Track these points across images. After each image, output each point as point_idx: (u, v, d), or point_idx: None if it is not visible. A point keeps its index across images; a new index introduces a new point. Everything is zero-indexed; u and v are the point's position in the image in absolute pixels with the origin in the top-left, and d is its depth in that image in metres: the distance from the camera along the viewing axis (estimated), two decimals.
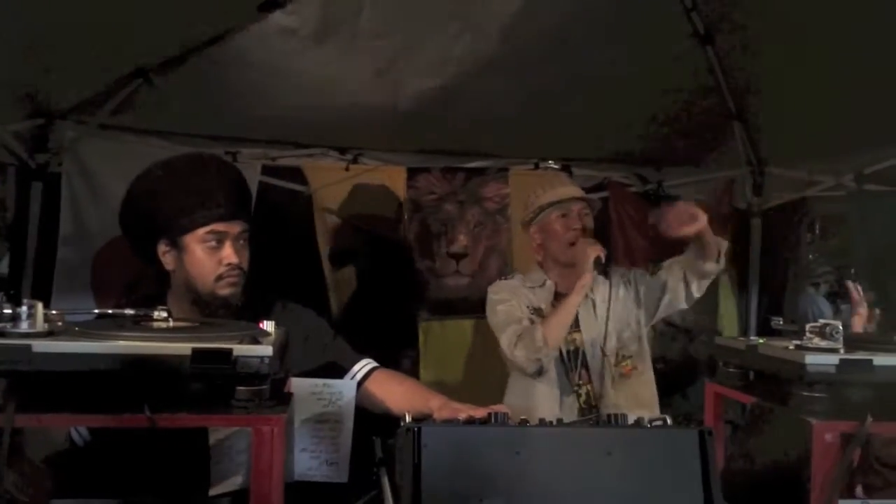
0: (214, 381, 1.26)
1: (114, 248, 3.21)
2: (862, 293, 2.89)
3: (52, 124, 3.42)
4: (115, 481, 1.48)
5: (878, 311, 2.85)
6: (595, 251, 2.55)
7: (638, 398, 2.66)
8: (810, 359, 1.44)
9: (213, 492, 1.71)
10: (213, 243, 1.80)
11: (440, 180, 4.04)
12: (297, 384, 1.62)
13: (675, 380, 3.80)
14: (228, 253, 1.81)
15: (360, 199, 3.54)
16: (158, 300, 1.70)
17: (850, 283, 2.90)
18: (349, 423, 1.65)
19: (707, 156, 4.09)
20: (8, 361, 1.18)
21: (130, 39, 2.76)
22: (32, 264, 3.43)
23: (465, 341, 3.88)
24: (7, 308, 1.24)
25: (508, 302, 2.68)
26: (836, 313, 3.98)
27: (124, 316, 1.47)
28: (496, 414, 1.43)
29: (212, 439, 1.72)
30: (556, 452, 1.38)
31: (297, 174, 3.92)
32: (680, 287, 2.63)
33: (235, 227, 1.83)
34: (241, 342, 1.27)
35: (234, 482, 1.73)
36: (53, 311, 1.32)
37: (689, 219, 2.36)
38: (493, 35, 2.94)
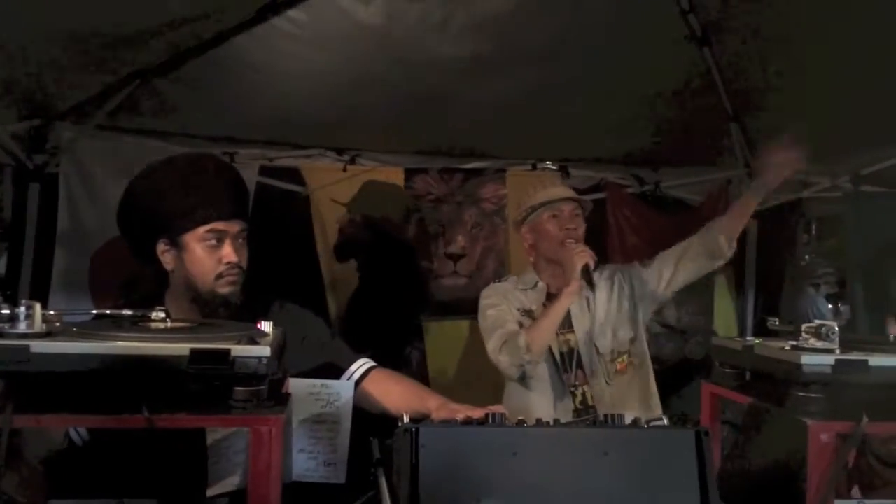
0: (212, 381, 1.26)
1: (111, 249, 3.22)
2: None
3: (49, 125, 3.42)
4: (112, 481, 1.48)
5: None
6: (583, 259, 2.52)
7: (635, 394, 2.67)
8: (806, 359, 1.45)
9: (210, 492, 1.71)
10: (213, 242, 1.80)
11: (438, 181, 4.05)
12: (295, 385, 1.62)
13: (670, 380, 3.80)
14: (228, 251, 1.81)
15: (370, 195, 3.54)
16: (156, 300, 1.71)
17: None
18: (347, 424, 1.65)
19: (704, 157, 4.10)
20: (6, 362, 1.18)
21: (129, 40, 2.76)
22: (30, 265, 3.43)
23: (462, 341, 3.89)
24: (5, 309, 1.24)
25: (499, 307, 2.68)
26: (836, 314, 3.97)
27: (122, 316, 1.47)
28: (494, 414, 1.43)
29: (209, 440, 1.72)
30: (554, 453, 1.38)
31: (294, 175, 3.93)
32: (666, 274, 2.66)
33: (235, 226, 1.83)
34: (238, 343, 1.27)
35: (232, 483, 1.73)
36: (51, 312, 1.32)
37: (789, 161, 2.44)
38: (492, 36, 2.95)
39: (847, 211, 3.77)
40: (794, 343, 1.53)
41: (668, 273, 2.68)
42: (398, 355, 3.83)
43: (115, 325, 1.40)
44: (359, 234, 3.47)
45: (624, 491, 1.36)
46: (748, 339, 1.73)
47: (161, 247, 1.82)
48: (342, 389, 1.67)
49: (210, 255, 1.80)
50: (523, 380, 2.62)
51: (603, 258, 3.37)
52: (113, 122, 3.43)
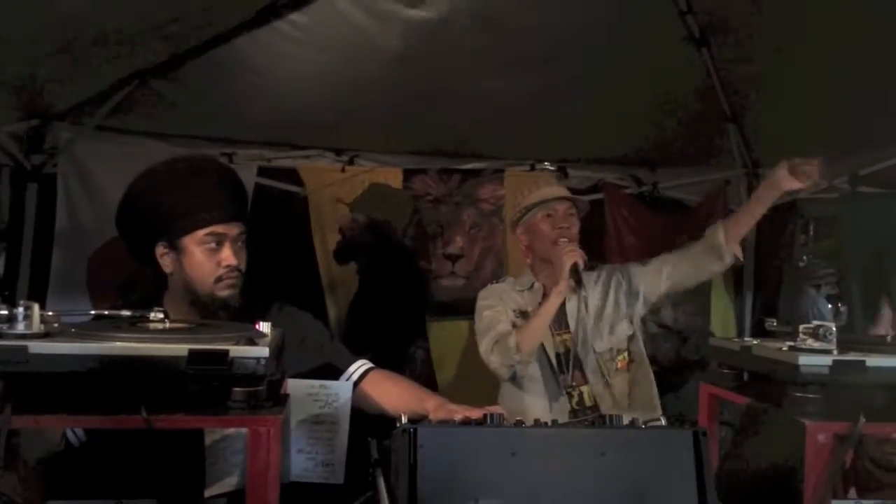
0: (211, 382, 1.26)
1: (110, 249, 3.21)
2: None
3: (47, 125, 3.42)
4: (111, 482, 1.48)
5: None
6: (572, 258, 2.52)
7: (637, 392, 2.67)
8: (804, 360, 1.45)
9: (208, 493, 1.71)
10: (213, 245, 1.80)
11: (436, 182, 4.05)
12: (294, 385, 1.63)
13: (667, 381, 3.80)
14: (227, 255, 1.81)
15: (374, 196, 3.53)
16: (155, 302, 1.71)
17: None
18: (345, 425, 1.65)
19: (702, 158, 4.10)
20: (4, 362, 1.18)
21: (128, 41, 2.76)
22: (28, 265, 3.42)
23: (461, 342, 3.89)
24: (3, 309, 1.24)
25: (494, 308, 2.68)
26: (837, 315, 3.98)
27: (121, 317, 1.47)
28: (492, 415, 1.44)
29: (207, 440, 1.73)
30: (552, 453, 1.38)
31: (292, 175, 3.93)
32: (666, 270, 2.64)
33: (234, 229, 1.83)
34: (237, 343, 1.27)
35: (230, 483, 1.73)
36: (50, 313, 1.32)
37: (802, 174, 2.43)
38: (490, 37, 2.95)
39: (844, 212, 3.78)
40: (791, 344, 1.54)
41: (668, 269, 2.66)
42: (403, 355, 3.83)
43: (113, 326, 1.40)
44: (360, 235, 3.46)
45: (622, 491, 1.36)
46: (746, 339, 1.74)
47: (160, 250, 1.82)
48: (340, 390, 1.67)
49: (209, 258, 1.80)
50: (515, 380, 2.62)
51: (601, 259, 3.37)
52: (111, 123, 3.43)
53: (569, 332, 2.68)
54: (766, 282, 4.32)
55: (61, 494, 1.45)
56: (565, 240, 2.60)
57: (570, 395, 2.64)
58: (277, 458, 1.27)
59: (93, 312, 1.53)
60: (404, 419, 1.41)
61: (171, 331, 1.42)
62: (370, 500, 1.50)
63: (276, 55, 2.97)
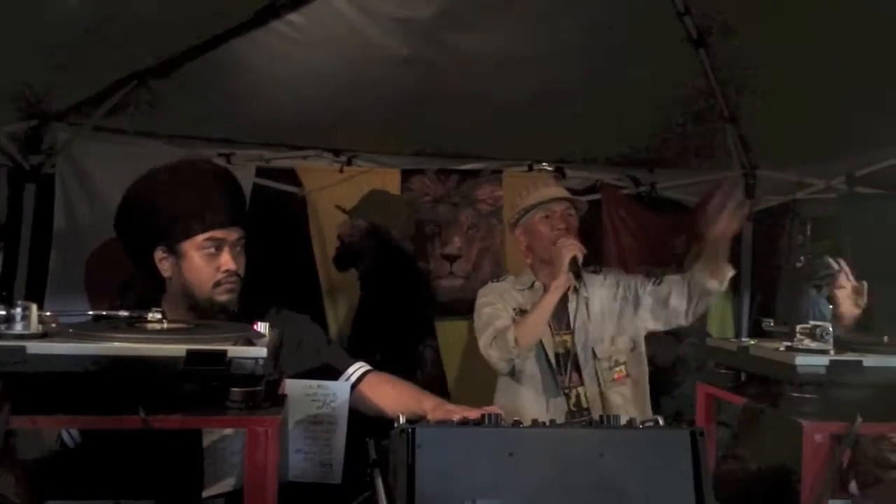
0: (209, 382, 1.26)
1: (108, 250, 3.21)
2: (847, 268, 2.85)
3: (46, 126, 3.42)
4: (109, 483, 1.48)
5: (865, 283, 2.81)
6: (571, 251, 2.51)
7: (628, 407, 2.63)
8: (800, 360, 1.46)
9: (206, 493, 1.71)
10: (212, 250, 1.80)
11: (434, 182, 4.06)
12: (292, 386, 1.63)
13: (663, 381, 3.81)
14: (226, 259, 1.81)
15: (374, 204, 3.53)
16: (153, 305, 1.70)
17: (830, 260, 2.86)
18: (343, 425, 1.65)
19: (700, 158, 4.11)
20: (2, 363, 1.18)
21: (126, 42, 2.76)
22: (26, 266, 3.42)
23: (459, 342, 3.89)
24: (1, 310, 1.24)
25: (494, 305, 2.68)
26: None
27: (119, 318, 1.47)
28: (489, 415, 1.44)
29: (206, 440, 1.73)
30: (549, 453, 1.39)
31: (290, 176, 3.93)
32: (682, 303, 2.60)
33: (233, 234, 1.83)
34: (235, 344, 1.27)
35: (228, 483, 1.73)
36: (48, 313, 1.32)
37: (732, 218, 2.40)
38: (488, 38, 2.95)
39: (841, 212, 3.79)
40: (788, 344, 1.54)
41: (674, 301, 2.61)
42: (412, 356, 3.82)
43: (111, 327, 1.40)
44: (360, 241, 3.45)
45: (619, 491, 1.36)
46: (743, 340, 1.74)
47: (159, 254, 1.82)
48: (338, 390, 1.67)
49: (208, 262, 1.80)
50: (513, 374, 2.62)
51: (599, 259, 3.37)
52: (109, 124, 3.42)
53: (569, 332, 2.68)
54: (764, 282, 4.33)
55: (58, 495, 1.45)
56: (560, 238, 2.60)
57: (567, 396, 2.64)
58: (275, 458, 1.27)
59: (91, 313, 1.53)
60: (402, 419, 1.41)
61: (169, 331, 1.42)
62: (368, 500, 1.50)
63: (273, 56, 2.97)
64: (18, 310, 1.23)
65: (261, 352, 1.26)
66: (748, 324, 4.23)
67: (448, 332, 3.90)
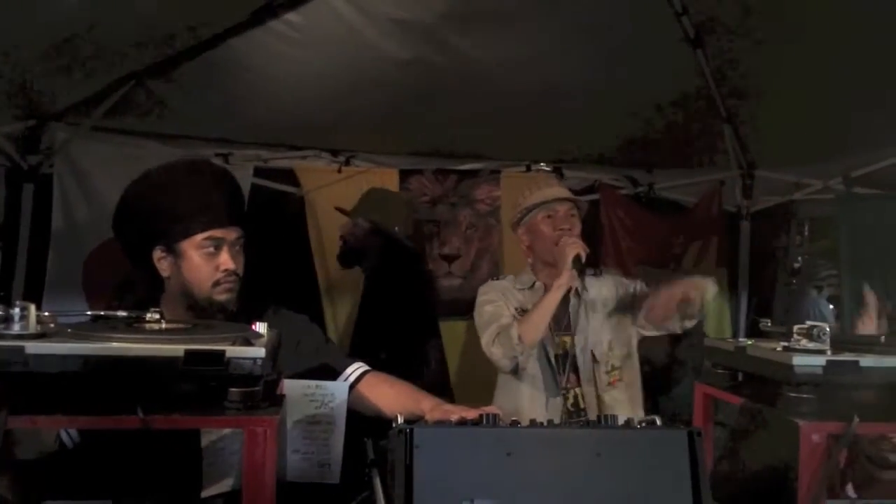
0: (207, 382, 1.26)
1: (106, 250, 3.21)
2: (875, 299, 2.88)
3: (44, 125, 3.42)
4: (108, 483, 1.49)
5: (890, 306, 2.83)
6: (574, 249, 2.50)
7: (622, 408, 2.62)
8: (798, 360, 1.45)
9: (204, 493, 1.71)
10: (211, 249, 1.80)
11: (432, 182, 4.06)
12: (290, 386, 1.63)
13: (660, 381, 3.81)
14: (225, 259, 1.81)
15: (374, 203, 3.52)
16: (151, 305, 1.70)
17: (866, 290, 2.89)
18: (341, 425, 1.65)
19: (698, 158, 4.12)
20: (1, 363, 1.18)
21: (124, 42, 2.76)
22: (24, 266, 3.42)
23: (457, 342, 3.89)
24: None
25: (496, 303, 2.67)
26: (839, 316, 3.98)
27: (117, 318, 1.47)
28: (487, 415, 1.44)
29: (204, 441, 1.73)
30: (547, 453, 1.39)
31: (289, 176, 3.93)
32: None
33: (232, 234, 1.83)
34: (233, 344, 1.27)
35: (226, 484, 1.73)
36: (46, 313, 1.32)
37: (680, 304, 2.45)
38: (486, 39, 2.96)
39: (839, 212, 3.79)
40: (785, 344, 1.54)
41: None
42: (416, 355, 3.80)
43: (109, 327, 1.40)
44: (363, 240, 3.43)
45: (617, 491, 1.36)
46: (741, 340, 1.74)
47: (157, 253, 1.82)
48: (336, 390, 1.67)
49: (207, 262, 1.80)
50: (516, 373, 2.62)
51: (597, 259, 3.37)
52: (107, 124, 3.43)
53: (568, 333, 2.68)
54: (761, 283, 4.34)
55: (56, 495, 1.45)
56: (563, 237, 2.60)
57: (564, 397, 2.64)
58: (273, 458, 1.27)
59: (89, 313, 1.53)
60: (400, 419, 1.41)
61: (167, 331, 1.42)
62: (366, 500, 1.50)
63: (271, 56, 2.98)
64: (17, 310, 1.23)
65: (259, 352, 1.26)
66: (745, 324, 4.24)
67: (446, 332, 3.89)
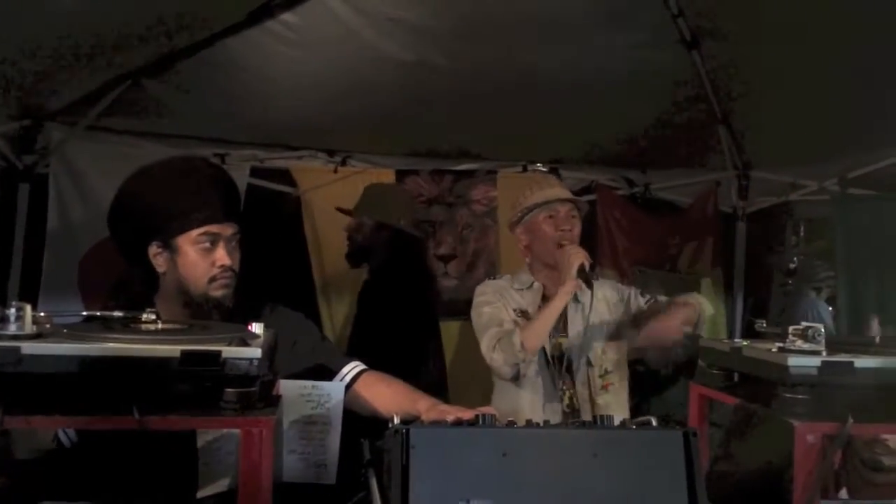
0: (203, 382, 1.26)
1: (101, 250, 3.21)
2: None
3: (39, 125, 3.41)
4: (104, 483, 1.48)
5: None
6: (579, 258, 2.48)
7: (612, 410, 2.62)
8: (793, 361, 1.46)
9: (200, 494, 1.71)
10: (207, 245, 1.79)
11: (428, 182, 4.06)
12: (286, 386, 1.62)
13: (654, 382, 3.81)
14: (221, 255, 1.80)
15: (375, 197, 3.51)
16: (146, 303, 1.70)
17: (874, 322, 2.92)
18: (337, 425, 1.65)
19: (693, 159, 4.13)
20: None
21: (120, 41, 2.76)
22: (19, 266, 3.42)
23: (453, 343, 3.89)
24: None
25: (494, 304, 2.65)
26: (837, 317, 4.00)
27: (113, 318, 1.46)
28: (484, 415, 1.44)
29: (200, 441, 1.72)
30: (543, 454, 1.39)
31: (285, 176, 3.93)
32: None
33: (228, 229, 1.83)
34: (229, 344, 1.27)
35: (222, 484, 1.73)
36: (42, 314, 1.32)
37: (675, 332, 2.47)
38: (484, 39, 2.96)
39: (835, 213, 3.81)
40: (781, 345, 1.55)
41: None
42: (417, 354, 3.80)
43: (105, 327, 1.40)
44: (369, 237, 3.42)
45: (613, 492, 1.37)
46: (736, 340, 1.75)
47: (153, 249, 1.81)
48: (333, 391, 1.68)
49: (203, 258, 1.80)
50: (516, 379, 2.61)
51: (593, 260, 3.37)
52: (103, 123, 3.42)
53: (565, 335, 2.67)
54: (757, 283, 4.35)
55: (53, 495, 1.45)
56: (567, 242, 2.59)
57: (560, 398, 2.64)
58: (270, 458, 1.27)
59: (85, 313, 1.53)
60: (397, 420, 1.42)
61: (163, 331, 1.42)
62: (362, 500, 1.50)
63: (268, 56, 2.97)
64: (12, 310, 1.23)
65: (255, 352, 1.26)
66: (741, 324, 4.25)
67: (442, 332, 3.90)
